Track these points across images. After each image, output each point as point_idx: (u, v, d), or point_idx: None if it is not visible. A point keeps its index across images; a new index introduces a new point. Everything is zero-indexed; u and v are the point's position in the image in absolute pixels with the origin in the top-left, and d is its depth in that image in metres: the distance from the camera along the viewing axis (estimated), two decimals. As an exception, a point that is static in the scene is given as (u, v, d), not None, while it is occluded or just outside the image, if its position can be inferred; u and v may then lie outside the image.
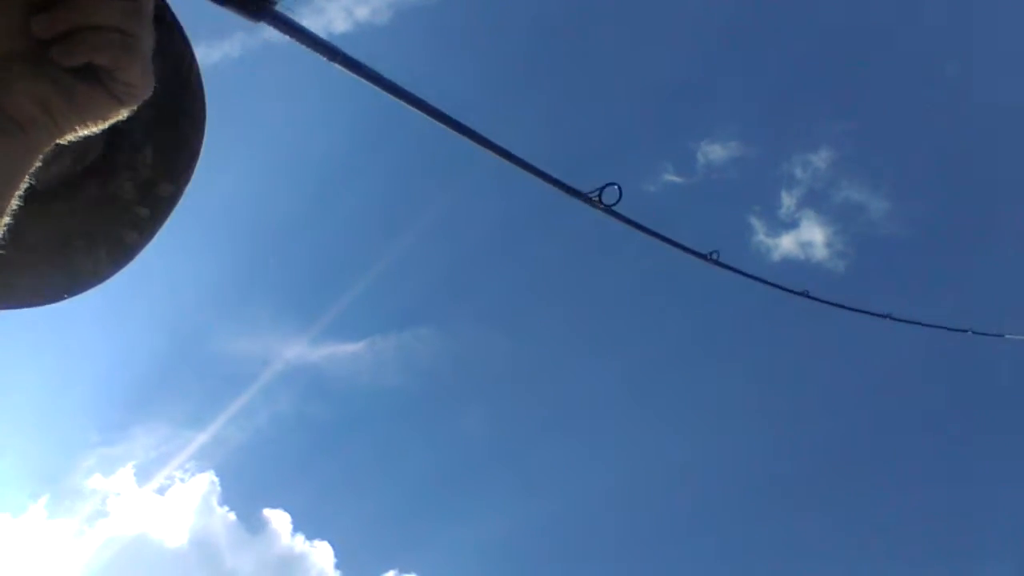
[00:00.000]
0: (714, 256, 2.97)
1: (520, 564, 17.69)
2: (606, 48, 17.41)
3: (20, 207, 0.76)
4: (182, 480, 16.63)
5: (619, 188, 2.43)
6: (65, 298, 0.88)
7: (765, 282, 3.38)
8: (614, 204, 2.44)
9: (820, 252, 16.04)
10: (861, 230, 16.83)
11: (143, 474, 17.44)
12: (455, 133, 2.03)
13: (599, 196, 2.45)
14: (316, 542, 16.48)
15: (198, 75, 0.87)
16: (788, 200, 16.56)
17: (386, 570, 17.18)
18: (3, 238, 0.68)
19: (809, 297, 3.46)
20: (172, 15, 0.83)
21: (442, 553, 17.39)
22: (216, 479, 16.66)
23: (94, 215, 0.85)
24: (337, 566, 16.60)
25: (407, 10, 16.32)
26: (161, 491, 16.65)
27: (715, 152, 16.60)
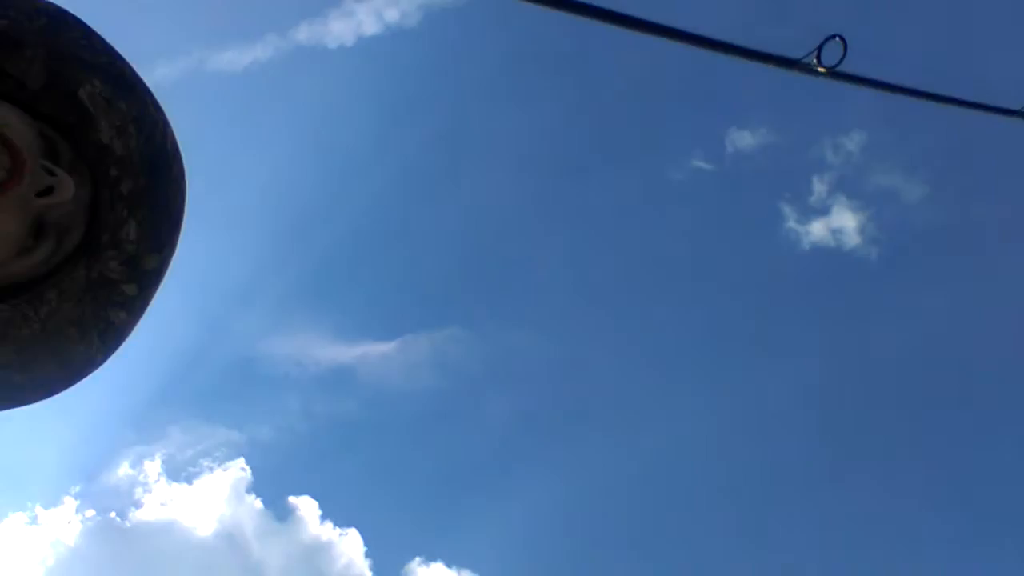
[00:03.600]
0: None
1: (543, 557, 17.18)
2: (631, 36, 16.72)
3: (7, 301, 0.77)
4: (210, 469, 16.53)
5: (843, 40, 2.04)
6: (62, 391, 0.87)
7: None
8: (838, 64, 2.06)
9: (852, 239, 15.38)
10: (895, 216, 15.99)
11: (173, 465, 17.34)
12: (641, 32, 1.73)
13: (817, 57, 2.07)
14: (346, 530, 16.28)
15: (173, 141, 0.87)
16: (819, 186, 15.87)
17: (411, 558, 16.29)
18: None
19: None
20: (142, 83, 0.85)
21: (466, 543, 16.82)
22: (247, 468, 16.46)
23: (83, 300, 0.83)
24: (367, 554, 16.30)
25: (437, 12, 16.04)
26: (190, 480, 16.56)
27: (744, 138, 16.10)
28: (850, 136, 15.88)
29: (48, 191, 0.73)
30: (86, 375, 0.87)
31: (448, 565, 16.05)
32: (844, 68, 2.07)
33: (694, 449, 18.21)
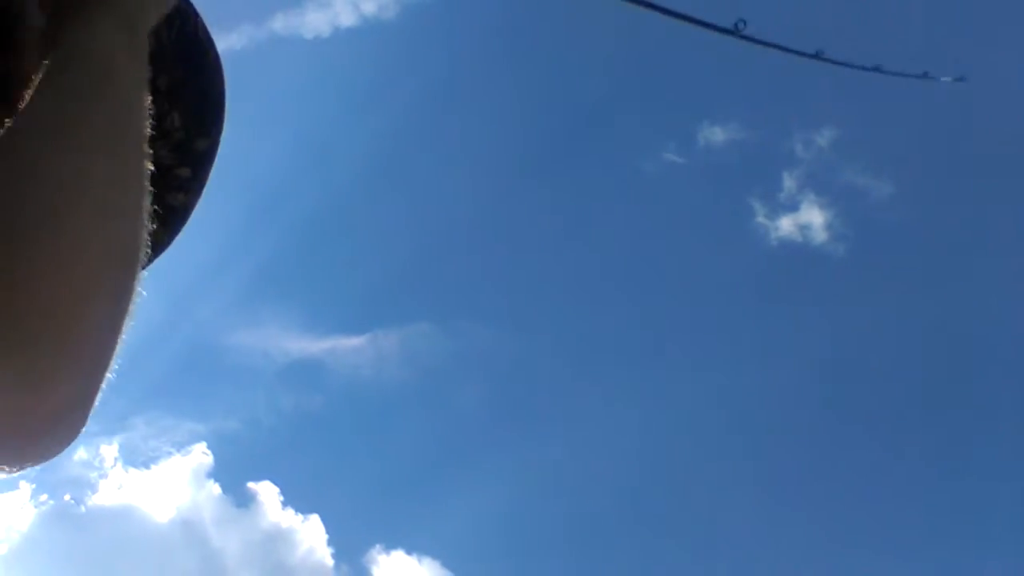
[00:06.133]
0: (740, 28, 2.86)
1: (504, 545, 18.42)
2: (607, 27, 16.43)
3: None
4: (169, 454, 16.87)
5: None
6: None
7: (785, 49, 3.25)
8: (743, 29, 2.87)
9: (819, 235, 16.37)
10: (862, 213, 16.85)
11: (131, 449, 17.61)
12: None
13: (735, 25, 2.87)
14: (307, 516, 16.94)
15: (205, 30, 0.90)
16: (789, 182, 16.87)
17: (373, 545, 17.27)
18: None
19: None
20: None
21: (427, 531, 17.95)
22: (208, 453, 16.91)
23: None
24: (330, 542, 16.85)
25: (414, 5, 15.91)
26: (148, 465, 16.97)
27: (716, 133, 16.84)
28: (821, 132, 16.48)
29: None
30: (152, 258, 0.86)
31: (409, 552, 16.63)
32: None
33: (655, 442, 18.40)
